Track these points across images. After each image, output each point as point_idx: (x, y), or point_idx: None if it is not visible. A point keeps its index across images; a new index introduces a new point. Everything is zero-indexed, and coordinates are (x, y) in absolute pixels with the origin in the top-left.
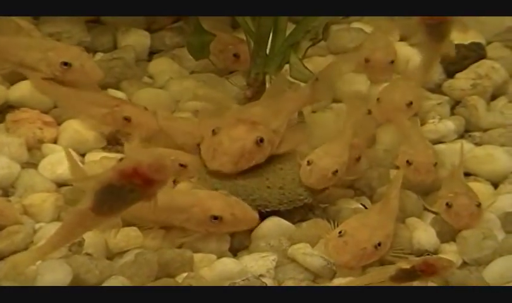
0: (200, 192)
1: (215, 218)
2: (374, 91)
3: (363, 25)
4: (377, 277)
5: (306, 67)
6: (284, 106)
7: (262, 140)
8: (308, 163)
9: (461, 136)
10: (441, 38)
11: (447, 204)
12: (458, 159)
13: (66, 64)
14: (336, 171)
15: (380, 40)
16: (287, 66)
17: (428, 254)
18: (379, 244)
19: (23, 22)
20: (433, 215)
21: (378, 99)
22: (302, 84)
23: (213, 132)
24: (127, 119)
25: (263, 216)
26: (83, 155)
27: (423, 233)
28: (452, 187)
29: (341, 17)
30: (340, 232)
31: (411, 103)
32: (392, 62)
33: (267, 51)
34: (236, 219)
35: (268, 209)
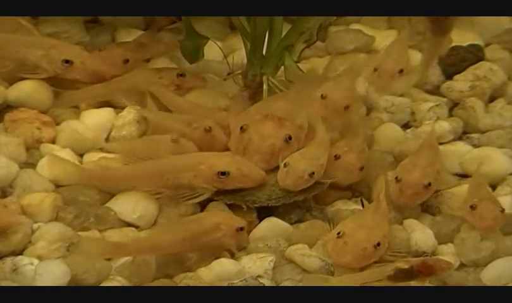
0: (205, 153)
1: (223, 173)
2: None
3: (361, 27)
4: (375, 276)
5: (300, 69)
6: (307, 101)
7: (290, 137)
8: (285, 165)
9: (459, 138)
10: (443, 33)
11: (471, 206)
12: (479, 166)
13: (67, 61)
14: (313, 173)
15: (395, 49)
16: (283, 68)
17: (426, 255)
18: (378, 244)
19: (23, 21)
20: (431, 217)
21: (321, 96)
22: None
23: (242, 129)
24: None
25: (261, 217)
26: (81, 155)
27: (421, 235)
28: (478, 194)
29: (334, 18)
30: (338, 233)
31: (347, 106)
32: (402, 71)
33: (263, 52)
34: (243, 175)
35: (256, 205)
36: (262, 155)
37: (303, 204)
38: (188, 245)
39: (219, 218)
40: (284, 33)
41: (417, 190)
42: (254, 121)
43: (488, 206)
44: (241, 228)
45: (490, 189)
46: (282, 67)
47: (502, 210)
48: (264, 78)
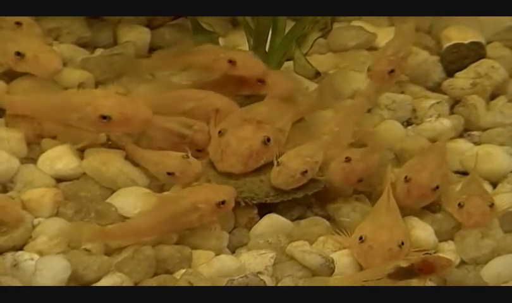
0: (97, 91)
1: (104, 117)
2: None
3: (363, 23)
4: (375, 275)
5: (309, 63)
6: (289, 107)
7: (268, 139)
8: (278, 163)
9: (460, 135)
10: None
11: (459, 204)
12: (474, 162)
13: (18, 54)
14: (306, 171)
15: (388, 48)
16: (286, 64)
17: (427, 254)
18: (402, 243)
19: (24, 18)
20: (432, 214)
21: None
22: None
23: (220, 133)
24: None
25: (261, 214)
26: (82, 151)
27: (422, 232)
28: (468, 190)
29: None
30: (360, 238)
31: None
32: (393, 71)
33: (267, 48)
34: (126, 119)
35: (254, 201)
36: (239, 157)
37: (304, 201)
38: (168, 228)
39: (198, 195)
40: (287, 30)
41: (425, 192)
42: (233, 125)
43: (475, 202)
44: (222, 202)
45: (483, 185)
46: (285, 63)
47: (492, 205)
48: None
